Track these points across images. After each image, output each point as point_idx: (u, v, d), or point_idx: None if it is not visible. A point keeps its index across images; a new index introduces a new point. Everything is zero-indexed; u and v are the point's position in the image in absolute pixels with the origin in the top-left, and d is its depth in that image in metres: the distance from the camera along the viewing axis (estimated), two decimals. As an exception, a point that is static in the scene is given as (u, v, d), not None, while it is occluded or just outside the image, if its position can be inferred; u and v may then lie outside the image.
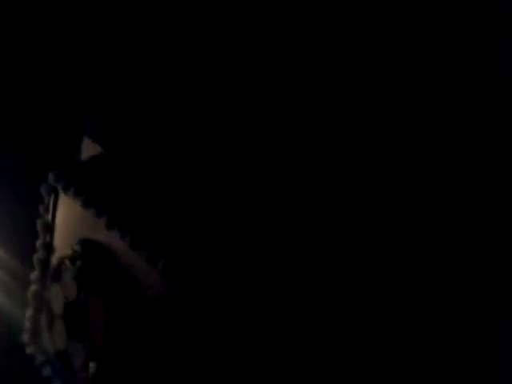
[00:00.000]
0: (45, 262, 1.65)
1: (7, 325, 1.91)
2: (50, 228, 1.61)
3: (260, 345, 1.16)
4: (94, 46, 1.81)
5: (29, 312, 1.73)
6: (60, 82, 1.83)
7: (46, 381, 1.68)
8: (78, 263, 1.44)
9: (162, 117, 1.68)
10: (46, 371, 1.67)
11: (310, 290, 1.30)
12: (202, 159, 1.55)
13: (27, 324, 1.76)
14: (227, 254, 1.25)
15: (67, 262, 1.51)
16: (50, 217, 1.60)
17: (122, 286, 1.37)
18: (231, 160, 1.55)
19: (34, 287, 1.70)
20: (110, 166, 1.55)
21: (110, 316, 1.42)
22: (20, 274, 1.77)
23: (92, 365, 1.50)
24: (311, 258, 1.36)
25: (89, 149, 1.64)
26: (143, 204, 1.41)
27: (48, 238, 1.63)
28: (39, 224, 1.62)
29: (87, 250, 1.44)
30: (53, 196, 1.57)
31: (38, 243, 1.64)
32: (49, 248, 1.64)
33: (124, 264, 1.38)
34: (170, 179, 1.45)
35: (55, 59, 1.86)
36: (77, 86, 1.81)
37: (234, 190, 1.46)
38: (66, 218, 1.56)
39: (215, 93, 1.64)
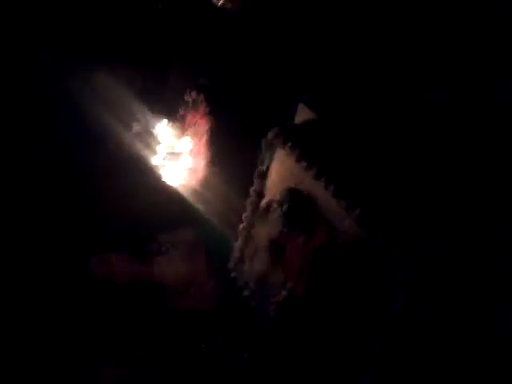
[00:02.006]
0: (255, 205, 2.02)
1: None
2: (263, 177, 1.96)
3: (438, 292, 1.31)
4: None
5: (237, 244, 2.13)
6: (283, 59, 2.16)
7: (244, 300, 2.05)
8: (285, 206, 1.75)
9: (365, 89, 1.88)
10: (245, 292, 2.05)
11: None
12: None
13: (234, 253, 2.16)
14: (418, 208, 1.42)
15: (275, 205, 1.84)
16: (264, 168, 1.95)
17: (319, 229, 1.64)
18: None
19: (244, 224, 2.08)
20: (320, 129, 1.83)
21: (305, 252, 1.71)
22: (236, 206, 2.14)
23: (284, 291, 1.81)
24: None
25: (303, 114, 1.93)
26: (346, 161, 1.65)
27: (260, 186, 1.98)
28: (256, 173, 1.98)
29: (293, 196, 1.74)
30: (270, 150, 1.92)
31: (252, 189, 2.01)
32: (260, 194, 1.99)
33: (323, 210, 1.64)
34: (371, 141, 1.66)
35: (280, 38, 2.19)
36: (296, 62, 2.12)
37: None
38: (278, 170, 1.89)
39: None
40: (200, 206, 2.33)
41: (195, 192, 2.31)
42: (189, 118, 2.47)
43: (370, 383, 1.43)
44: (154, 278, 2.72)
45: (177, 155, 2.41)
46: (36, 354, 2.24)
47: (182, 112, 2.57)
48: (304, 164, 1.70)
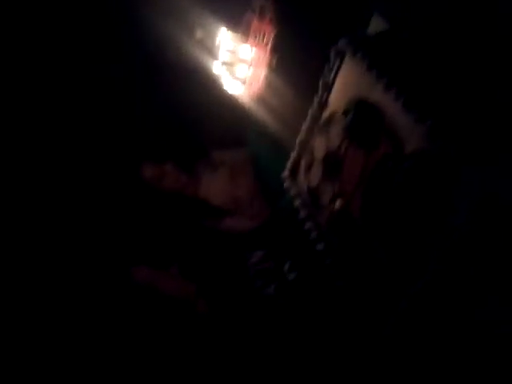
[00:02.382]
0: (317, 116, 1.99)
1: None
2: (329, 87, 1.92)
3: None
4: None
5: (293, 153, 2.13)
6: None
7: (296, 211, 2.09)
8: (350, 116, 1.72)
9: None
10: (297, 202, 2.08)
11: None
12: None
13: (289, 163, 2.17)
14: (493, 123, 1.37)
15: (338, 116, 1.81)
16: (331, 77, 1.91)
17: (382, 142, 1.62)
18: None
19: (302, 135, 2.07)
20: (393, 39, 1.75)
21: (365, 165, 1.70)
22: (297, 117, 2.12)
23: (338, 202, 1.82)
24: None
25: (376, 24, 1.85)
26: (418, 73, 1.59)
27: (325, 96, 1.95)
28: (321, 82, 1.94)
29: (360, 106, 1.71)
30: (338, 59, 1.87)
31: (316, 99, 1.98)
32: (323, 105, 1.96)
33: (389, 123, 1.61)
34: (445, 55, 1.59)
35: None
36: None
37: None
38: (346, 80, 1.84)
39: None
40: (260, 116, 2.32)
41: (256, 102, 2.29)
42: (254, 24, 2.40)
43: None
44: (199, 195, 2.79)
45: (239, 63, 2.37)
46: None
47: (247, 18, 2.50)
48: (374, 74, 1.65)
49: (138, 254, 2.31)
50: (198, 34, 2.86)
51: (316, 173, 1.97)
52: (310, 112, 2.01)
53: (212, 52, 2.45)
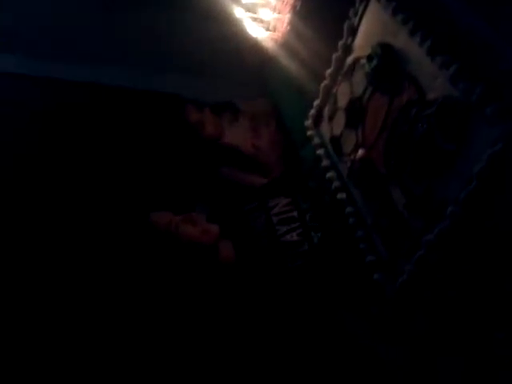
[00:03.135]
0: (341, 61, 1.94)
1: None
2: (354, 31, 1.86)
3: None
4: None
5: (316, 102, 2.10)
6: None
7: (318, 160, 2.08)
8: (374, 62, 1.67)
9: None
10: (320, 151, 2.07)
11: None
12: None
13: (312, 111, 2.15)
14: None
15: (363, 61, 1.76)
16: (356, 21, 1.85)
17: (407, 88, 1.58)
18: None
19: (326, 82, 2.03)
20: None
21: (388, 113, 1.66)
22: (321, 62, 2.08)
23: (360, 151, 1.80)
24: None
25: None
26: (445, 19, 1.52)
27: (350, 40, 1.89)
28: (346, 26, 1.88)
29: (385, 51, 1.65)
30: (364, 2, 1.80)
31: (340, 43, 1.92)
32: (348, 49, 1.91)
33: (414, 69, 1.56)
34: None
35: None
36: None
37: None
38: (371, 23, 1.78)
39: None
40: (283, 63, 2.28)
41: (279, 48, 2.24)
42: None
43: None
44: (222, 143, 2.79)
45: (261, 6, 2.30)
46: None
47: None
48: (400, 18, 1.58)
49: (157, 200, 2.34)
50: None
51: (339, 121, 1.95)
52: (334, 57, 1.96)
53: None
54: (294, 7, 2.14)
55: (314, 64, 2.12)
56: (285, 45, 2.18)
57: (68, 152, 2.61)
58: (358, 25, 1.84)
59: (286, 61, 2.22)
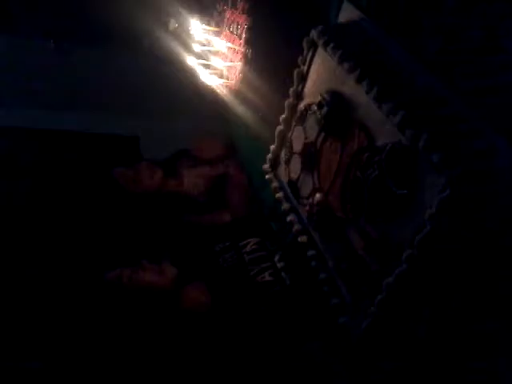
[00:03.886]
0: (294, 108, 1.98)
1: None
2: (303, 78, 1.91)
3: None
4: None
5: (273, 146, 2.13)
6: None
7: (278, 203, 2.10)
8: (324, 109, 1.71)
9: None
10: (279, 195, 2.08)
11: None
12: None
13: (269, 155, 2.17)
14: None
15: (314, 108, 1.80)
16: (305, 68, 1.89)
17: (358, 134, 1.62)
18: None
19: (280, 127, 2.06)
20: (365, 29, 1.73)
21: (341, 158, 1.70)
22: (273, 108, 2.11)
23: (317, 195, 1.83)
24: None
25: (347, 13, 1.83)
26: (391, 65, 1.58)
27: (300, 87, 1.94)
28: (296, 74, 1.93)
29: (333, 98, 1.70)
30: (311, 50, 1.85)
31: (291, 90, 1.96)
32: (299, 96, 1.95)
33: (363, 115, 1.60)
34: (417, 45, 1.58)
35: None
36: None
37: None
38: (319, 71, 1.83)
39: None
40: (238, 109, 2.31)
41: (233, 94, 2.27)
42: (227, 14, 2.37)
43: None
44: (181, 190, 2.80)
45: (213, 54, 2.34)
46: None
47: (220, 9, 2.47)
48: (346, 66, 1.63)
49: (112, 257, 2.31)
50: (171, 24, 2.83)
51: (295, 165, 1.98)
52: (287, 104, 2.00)
53: (186, 43, 2.41)
54: (245, 55, 2.18)
55: (269, 110, 2.16)
56: (238, 92, 2.21)
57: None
58: (307, 72, 1.88)
59: (240, 107, 2.25)
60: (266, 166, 2.18)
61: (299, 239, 1.94)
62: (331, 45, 1.69)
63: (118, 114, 3.59)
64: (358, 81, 1.57)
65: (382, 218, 1.52)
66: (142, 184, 2.68)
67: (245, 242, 2.38)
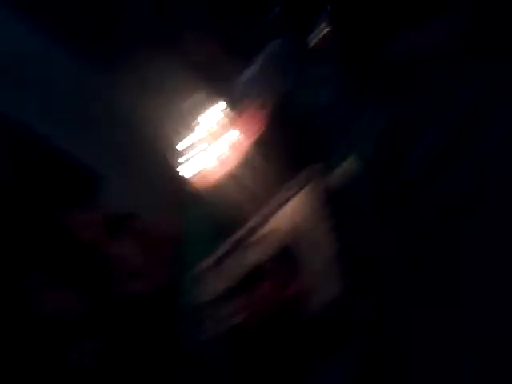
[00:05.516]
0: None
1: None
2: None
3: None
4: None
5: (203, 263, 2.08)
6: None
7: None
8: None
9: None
10: (202, 300, 1.97)
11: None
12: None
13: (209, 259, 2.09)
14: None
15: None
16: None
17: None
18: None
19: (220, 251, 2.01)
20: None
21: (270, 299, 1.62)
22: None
23: (239, 316, 1.73)
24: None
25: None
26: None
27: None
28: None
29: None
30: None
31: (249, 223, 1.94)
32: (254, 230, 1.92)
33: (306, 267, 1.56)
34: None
35: None
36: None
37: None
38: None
39: None
40: (207, 201, 2.27)
41: (211, 185, 2.22)
42: (246, 114, 2.40)
43: None
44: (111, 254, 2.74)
45: (214, 144, 2.33)
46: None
47: (243, 105, 2.49)
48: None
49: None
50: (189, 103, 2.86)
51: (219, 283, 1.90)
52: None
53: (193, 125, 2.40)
54: (243, 155, 2.16)
55: (235, 213, 2.10)
56: (217, 185, 2.16)
57: None
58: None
59: (212, 200, 2.21)
60: (201, 266, 2.09)
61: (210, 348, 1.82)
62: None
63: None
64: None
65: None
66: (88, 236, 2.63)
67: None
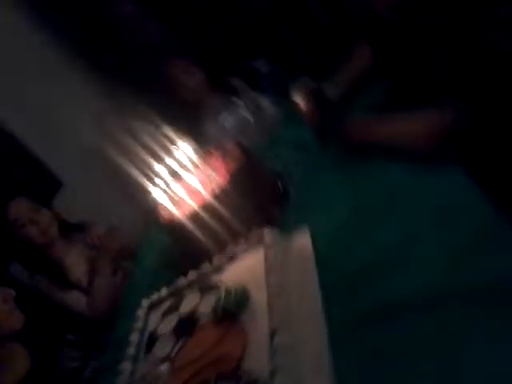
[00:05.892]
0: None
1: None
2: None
3: None
4: None
5: (164, 291, 2.05)
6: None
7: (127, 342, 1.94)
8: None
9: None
10: (133, 337, 1.95)
11: None
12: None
13: (156, 296, 2.08)
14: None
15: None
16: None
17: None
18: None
19: (181, 281, 2.01)
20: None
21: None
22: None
23: (165, 365, 1.71)
24: None
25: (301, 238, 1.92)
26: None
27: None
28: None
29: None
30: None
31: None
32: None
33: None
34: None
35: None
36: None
37: None
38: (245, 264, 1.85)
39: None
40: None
41: (172, 221, 2.22)
42: (214, 157, 2.45)
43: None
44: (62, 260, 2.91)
45: (180, 180, 2.35)
46: None
47: (213, 147, 2.54)
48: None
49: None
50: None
51: (169, 323, 1.88)
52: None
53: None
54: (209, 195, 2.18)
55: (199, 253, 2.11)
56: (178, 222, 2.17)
57: None
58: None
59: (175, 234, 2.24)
60: (146, 302, 2.07)
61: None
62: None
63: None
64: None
65: None
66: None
67: None
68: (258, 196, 2.23)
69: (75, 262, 2.97)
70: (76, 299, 2.90)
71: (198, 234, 2.11)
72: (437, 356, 1.17)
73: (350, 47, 2.46)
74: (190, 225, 2.14)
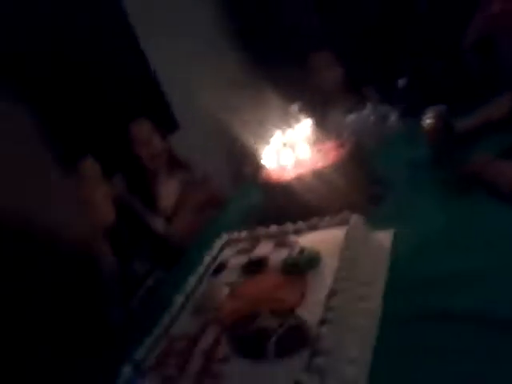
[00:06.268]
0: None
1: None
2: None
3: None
4: None
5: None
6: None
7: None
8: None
9: None
10: (207, 259, 2.14)
11: None
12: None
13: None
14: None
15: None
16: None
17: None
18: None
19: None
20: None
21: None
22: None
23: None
24: None
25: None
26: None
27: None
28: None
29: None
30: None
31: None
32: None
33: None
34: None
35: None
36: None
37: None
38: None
39: None
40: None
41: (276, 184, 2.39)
42: (328, 142, 2.57)
43: None
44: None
45: (292, 153, 2.50)
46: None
47: (330, 134, 2.67)
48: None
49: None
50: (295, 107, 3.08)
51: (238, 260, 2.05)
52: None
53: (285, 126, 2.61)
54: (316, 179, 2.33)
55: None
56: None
57: None
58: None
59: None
60: (225, 237, 2.26)
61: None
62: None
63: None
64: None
65: None
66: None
67: None
68: (353, 189, 2.34)
69: (167, 194, 3.22)
70: (158, 224, 3.16)
71: (293, 199, 2.26)
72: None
73: (492, 94, 2.50)
74: (287, 189, 2.30)
